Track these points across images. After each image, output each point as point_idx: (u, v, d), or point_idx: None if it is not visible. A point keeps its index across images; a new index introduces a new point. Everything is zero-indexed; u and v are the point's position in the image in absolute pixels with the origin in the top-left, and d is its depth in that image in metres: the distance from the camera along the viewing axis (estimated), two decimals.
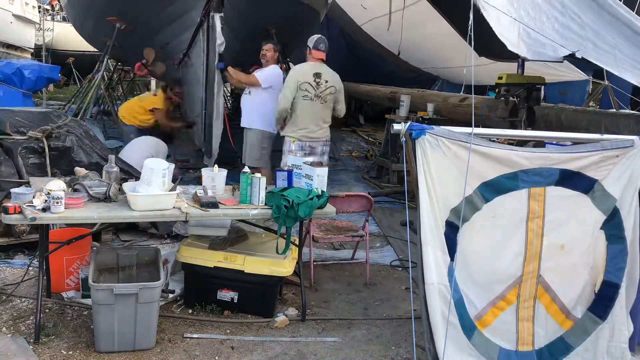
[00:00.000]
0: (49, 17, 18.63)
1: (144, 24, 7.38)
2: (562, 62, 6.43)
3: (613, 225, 3.07)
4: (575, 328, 3.13)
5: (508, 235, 3.01)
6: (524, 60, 5.80)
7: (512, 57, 4.22)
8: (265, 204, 3.64)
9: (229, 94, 14.56)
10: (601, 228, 3.09)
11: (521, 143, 4.83)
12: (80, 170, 3.96)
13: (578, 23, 4.08)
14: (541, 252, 3.03)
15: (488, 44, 4.16)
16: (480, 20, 3.84)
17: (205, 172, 3.95)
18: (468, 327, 2.97)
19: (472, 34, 2.87)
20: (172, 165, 3.69)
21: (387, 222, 6.10)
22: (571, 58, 4.19)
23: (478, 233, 2.95)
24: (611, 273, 3.09)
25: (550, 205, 3.01)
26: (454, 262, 2.90)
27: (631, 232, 3.08)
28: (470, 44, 3.00)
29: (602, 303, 3.12)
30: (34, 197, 3.31)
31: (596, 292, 3.12)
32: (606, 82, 8.80)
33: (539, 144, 4.40)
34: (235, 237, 3.94)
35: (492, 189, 2.94)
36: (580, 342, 3.12)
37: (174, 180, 3.79)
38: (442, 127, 2.91)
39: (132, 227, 5.22)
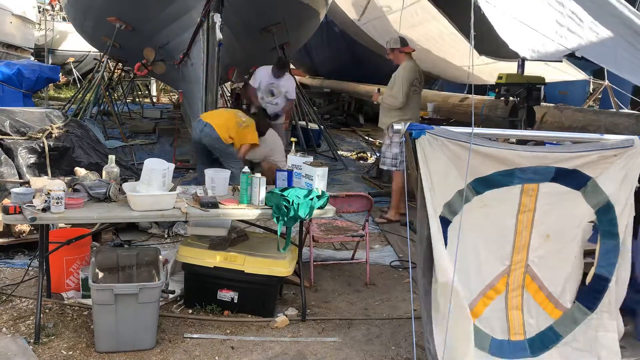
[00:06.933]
0: (49, 17, 18.59)
1: (144, 24, 7.38)
2: (561, 61, 6.43)
3: (607, 222, 3.11)
4: (564, 317, 3.19)
5: (498, 226, 3.04)
6: (523, 59, 5.81)
7: (512, 56, 4.22)
8: (265, 204, 3.65)
9: (228, 94, 14.57)
10: (595, 223, 3.12)
11: (521, 143, 4.82)
12: (80, 170, 3.96)
13: (578, 22, 4.08)
14: (529, 242, 3.08)
15: (488, 43, 4.17)
16: (481, 19, 3.84)
17: (206, 172, 3.95)
18: None
19: (473, 32, 2.87)
20: (172, 165, 3.70)
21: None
22: (571, 57, 4.19)
23: (468, 224, 2.96)
24: (603, 267, 3.15)
25: (542, 200, 3.04)
26: (450, 256, 2.91)
27: (624, 229, 3.11)
28: (470, 43, 3.00)
29: (591, 295, 3.18)
30: (34, 197, 3.31)
31: (587, 284, 3.18)
32: (606, 82, 8.81)
33: (539, 143, 4.40)
34: (235, 237, 3.94)
35: (485, 183, 2.96)
36: (568, 332, 3.18)
37: None
38: (442, 127, 2.91)
39: (132, 227, 5.23)
